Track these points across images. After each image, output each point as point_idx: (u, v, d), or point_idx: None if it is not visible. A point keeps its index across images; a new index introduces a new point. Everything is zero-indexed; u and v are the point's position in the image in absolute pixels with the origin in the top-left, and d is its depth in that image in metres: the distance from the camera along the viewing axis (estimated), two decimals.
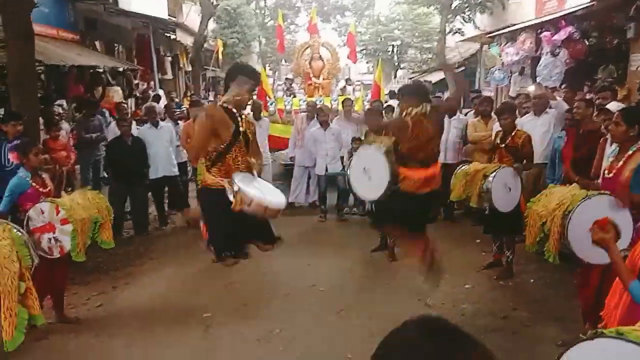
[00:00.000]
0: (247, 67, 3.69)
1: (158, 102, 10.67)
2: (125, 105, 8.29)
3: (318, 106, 8.29)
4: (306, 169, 7.86)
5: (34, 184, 3.99)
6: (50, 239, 3.83)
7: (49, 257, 3.86)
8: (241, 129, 3.40)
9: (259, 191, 3.25)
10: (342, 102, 8.58)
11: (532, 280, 5.13)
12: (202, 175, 3.59)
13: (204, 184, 3.51)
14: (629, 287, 2.30)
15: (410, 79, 26.81)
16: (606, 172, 3.83)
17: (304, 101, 10.27)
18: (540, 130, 6.04)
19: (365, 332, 4.15)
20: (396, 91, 7.98)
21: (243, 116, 3.50)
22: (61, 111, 7.23)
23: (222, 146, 3.35)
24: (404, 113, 4.08)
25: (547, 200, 3.91)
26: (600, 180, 4.06)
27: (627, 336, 1.67)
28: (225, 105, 3.38)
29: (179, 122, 8.01)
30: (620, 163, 3.67)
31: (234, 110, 3.39)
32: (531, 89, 10.15)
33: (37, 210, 3.83)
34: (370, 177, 4.32)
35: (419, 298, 4.76)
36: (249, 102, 3.61)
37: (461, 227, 7.02)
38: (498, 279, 5.13)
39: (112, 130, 7.25)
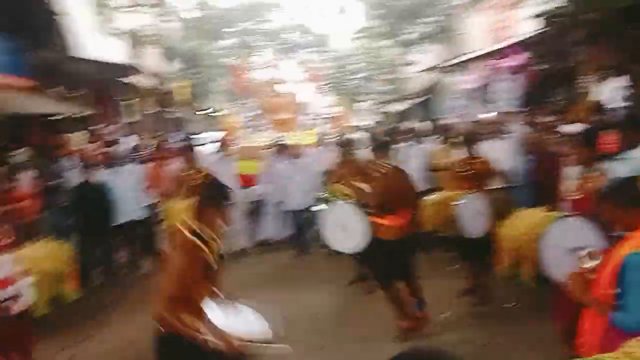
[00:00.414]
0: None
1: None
2: (88, 150, 8.10)
3: (283, 142, 8.32)
4: (277, 204, 7.80)
5: None
6: (9, 294, 3.64)
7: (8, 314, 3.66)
8: None
9: None
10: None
11: (510, 305, 5.10)
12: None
13: None
14: (611, 321, 2.35)
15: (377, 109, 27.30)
16: (574, 194, 3.92)
17: (271, 137, 10.29)
18: (500, 155, 6.17)
19: None
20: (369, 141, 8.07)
21: None
22: (18, 160, 7.00)
23: None
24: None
25: (515, 224, 3.94)
26: (569, 202, 4.14)
27: None
28: None
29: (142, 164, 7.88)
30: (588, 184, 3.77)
31: None
32: (487, 115, 10.44)
33: None
34: (345, 229, 4.44)
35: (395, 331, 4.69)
36: None
37: (435, 254, 7.00)
38: (476, 306, 5.11)
39: (75, 176, 7.07)
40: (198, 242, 2.81)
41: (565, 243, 3.37)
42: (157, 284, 2.96)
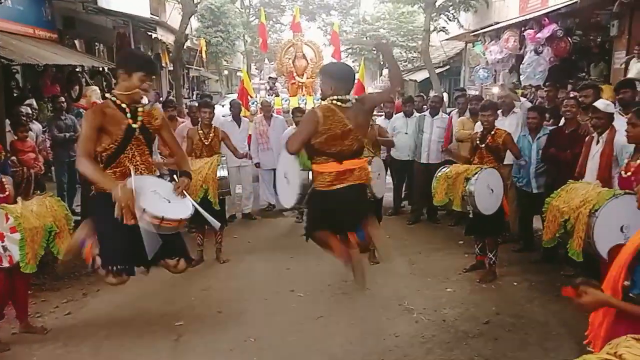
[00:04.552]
0: (137, 55, 3.64)
1: None
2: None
3: (296, 107, 8.10)
4: (273, 171, 7.66)
5: None
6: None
7: None
8: (135, 125, 3.08)
9: (155, 199, 2.95)
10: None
11: (515, 283, 5.02)
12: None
13: (95, 189, 3.08)
14: None
15: None
16: (622, 172, 3.76)
17: (287, 100, 10.11)
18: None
19: (343, 340, 4.02)
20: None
21: (140, 110, 3.13)
22: (30, 111, 6.94)
23: (113, 145, 3.03)
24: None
25: (568, 197, 3.85)
26: (616, 180, 3.97)
27: None
28: (113, 99, 3.06)
29: None
30: (639, 162, 3.60)
31: (124, 105, 3.06)
32: (495, 90, 10.06)
33: None
34: (288, 180, 4.01)
35: (400, 303, 4.64)
36: (146, 94, 3.09)
37: (443, 228, 6.91)
38: (481, 282, 5.01)
39: None
40: None
41: (618, 220, 3.37)
42: None
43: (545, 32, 10.64)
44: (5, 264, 3.72)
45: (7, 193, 3.89)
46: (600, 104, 4.47)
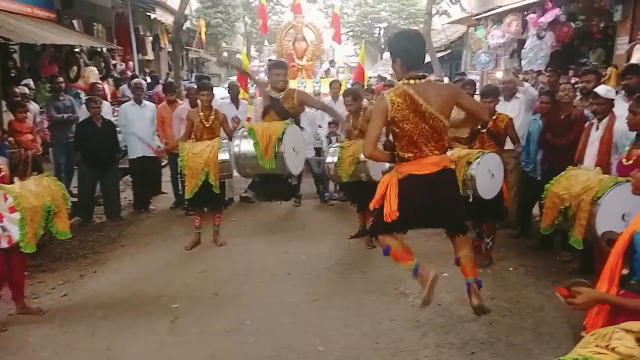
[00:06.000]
0: None
1: None
2: (100, 86, 8.00)
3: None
4: None
5: None
6: None
7: None
8: None
9: None
10: (330, 84, 8.39)
11: (511, 269, 5.02)
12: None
13: None
14: None
15: None
16: (624, 159, 3.75)
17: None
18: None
19: (339, 324, 4.03)
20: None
21: None
22: (27, 91, 6.88)
23: None
24: None
25: (568, 183, 3.82)
26: (615, 168, 3.96)
27: None
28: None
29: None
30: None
31: None
32: (499, 74, 9.98)
33: None
34: (297, 152, 4.85)
35: (395, 287, 4.65)
36: None
37: None
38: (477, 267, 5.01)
39: (84, 112, 6.98)
40: None
41: (620, 208, 3.35)
42: None
43: (548, 17, 10.52)
44: (4, 245, 3.71)
45: (2, 174, 3.87)
46: (601, 89, 4.43)
